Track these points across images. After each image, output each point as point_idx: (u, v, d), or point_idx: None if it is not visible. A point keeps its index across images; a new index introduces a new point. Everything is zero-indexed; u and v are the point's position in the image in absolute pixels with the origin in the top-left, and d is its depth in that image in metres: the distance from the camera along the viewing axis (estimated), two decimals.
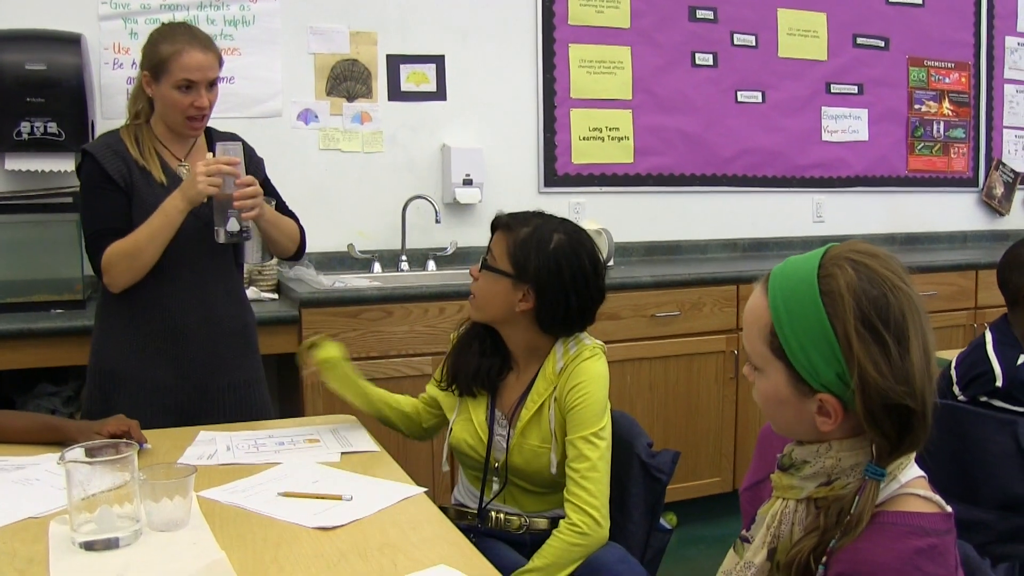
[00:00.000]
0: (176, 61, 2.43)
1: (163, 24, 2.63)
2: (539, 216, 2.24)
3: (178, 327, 2.54)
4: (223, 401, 2.59)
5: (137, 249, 2.43)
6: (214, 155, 2.47)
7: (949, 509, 1.28)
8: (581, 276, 2.18)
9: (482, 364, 2.27)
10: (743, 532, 1.43)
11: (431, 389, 2.42)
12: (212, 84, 2.51)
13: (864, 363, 1.22)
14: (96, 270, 2.50)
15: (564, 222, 2.24)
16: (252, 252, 2.66)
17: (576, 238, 2.21)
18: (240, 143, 2.53)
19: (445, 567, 1.55)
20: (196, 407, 2.55)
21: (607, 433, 2.15)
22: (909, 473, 1.29)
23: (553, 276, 2.15)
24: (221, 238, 2.45)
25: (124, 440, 1.79)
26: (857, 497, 1.25)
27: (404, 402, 2.46)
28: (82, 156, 2.53)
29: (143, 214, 2.45)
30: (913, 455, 1.30)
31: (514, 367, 2.29)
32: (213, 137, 2.64)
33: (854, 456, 1.29)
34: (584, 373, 2.17)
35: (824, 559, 1.25)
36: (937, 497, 1.28)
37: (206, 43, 2.50)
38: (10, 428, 2.15)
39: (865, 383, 1.22)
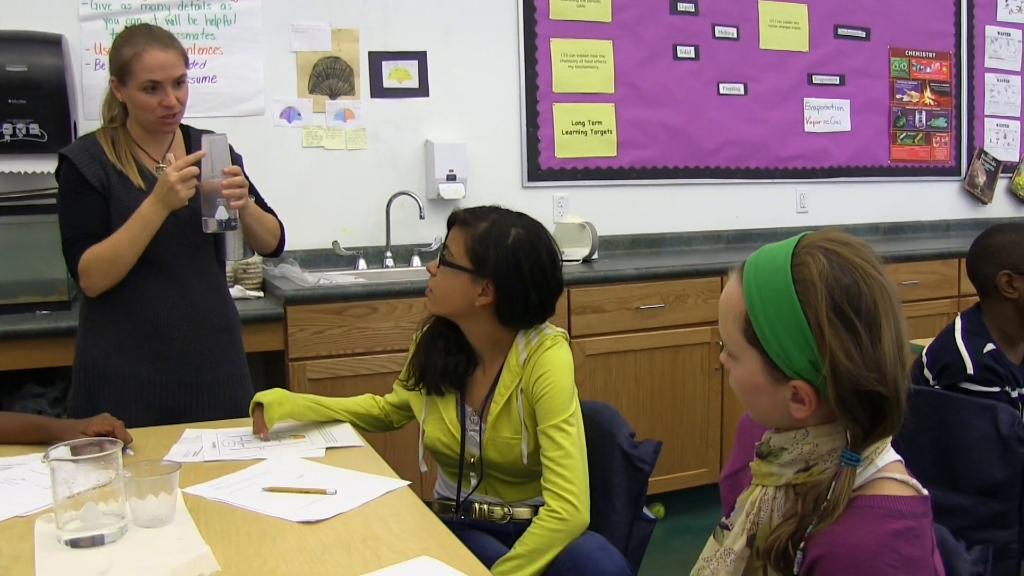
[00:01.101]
0: (138, 63, 2.43)
1: (124, 28, 2.61)
2: (496, 211, 2.24)
3: (161, 324, 2.54)
4: (207, 397, 2.59)
5: (116, 254, 2.44)
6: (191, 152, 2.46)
7: (925, 492, 1.29)
8: (539, 270, 2.19)
9: (448, 362, 2.27)
10: (723, 519, 1.45)
11: (399, 391, 2.42)
12: (179, 82, 2.49)
13: (835, 350, 1.23)
14: (73, 274, 2.50)
15: (521, 216, 2.25)
16: (233, 248, 2.66)
17: (534, 232, 2.22)
18: (224, 135, 2.52)
19: (428, 558, 1.56)
20: (180, 403, 2.55)
21: (577, 419, 2.17)
22: (886, 457, 1.31)
23: (512, 270, 2.16)
24: (211, 227, 2.44)
25: (108, 438, 1.80)
26: (833, 483, 1.26)
27: (369, 404, 2.46)
28: (60, 160, 2.53)
29: (121, 218, 2.46)
30: (889, 440, 1.32)
31: (479, 363, 2.29)
32: (191, 135, 2.65)
33: (831, 442, 1.30)
34: (548, 362, 2.18)
35: (802, 544, 1.26)
36: (913, 480, 1.30)
37: (166, 41, 2.48)
38: None
39: (836, 370, 1.23)
